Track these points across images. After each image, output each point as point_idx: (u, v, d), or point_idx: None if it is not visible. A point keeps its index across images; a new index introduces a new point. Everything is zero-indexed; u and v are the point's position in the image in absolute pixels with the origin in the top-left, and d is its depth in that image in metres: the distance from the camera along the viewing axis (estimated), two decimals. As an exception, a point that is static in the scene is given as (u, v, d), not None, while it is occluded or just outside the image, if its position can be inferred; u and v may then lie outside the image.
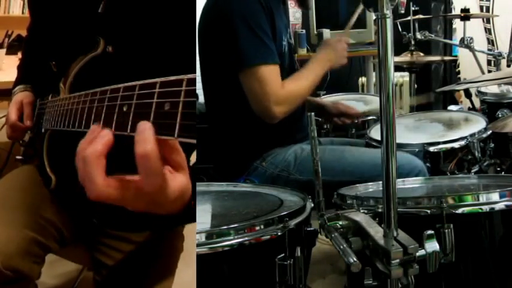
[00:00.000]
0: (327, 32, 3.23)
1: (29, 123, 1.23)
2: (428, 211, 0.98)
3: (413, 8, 2.45)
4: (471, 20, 2.48)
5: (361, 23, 3.31)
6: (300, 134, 1.61)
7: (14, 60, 2.23)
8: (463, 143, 1.56)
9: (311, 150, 1.00)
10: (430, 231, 0.82)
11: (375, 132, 1.71)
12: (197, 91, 1.33)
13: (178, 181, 0.65)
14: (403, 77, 3.42)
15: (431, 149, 1.56)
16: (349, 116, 1.87)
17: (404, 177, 1.32)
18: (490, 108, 2.02)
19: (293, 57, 1.69)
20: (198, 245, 0.85)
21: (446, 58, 2.98)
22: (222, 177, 1.56)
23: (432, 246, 0.81)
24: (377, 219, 0.92)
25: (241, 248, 0.87)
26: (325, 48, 1.60)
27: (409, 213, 0.99)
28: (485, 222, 1.02)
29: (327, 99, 1.97)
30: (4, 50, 2.58)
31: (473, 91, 2.14)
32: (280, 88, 1.43)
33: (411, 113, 2.21)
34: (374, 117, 2.04)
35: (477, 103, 2.15)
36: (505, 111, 1.95)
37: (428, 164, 1.59)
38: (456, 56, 3.34)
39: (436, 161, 1.60)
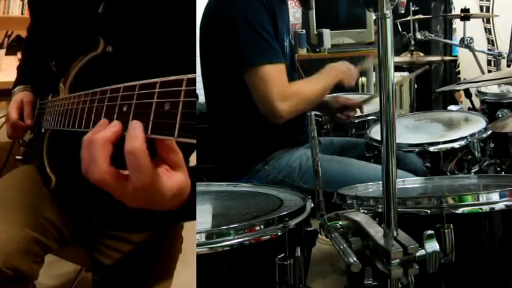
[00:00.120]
0: (327, 32, 3.23)
1: (30, 122, 1.23)
2: (428, 211, 0.98)
3: (413, 8, 2.46)
4: (471, 20, 2.48)
5: (361, 23, 3.32)
6: (301, 136, 1.60)
7: (14, 60, 2.23)
8: (463, 143, 1.56)
9: (311, 149, 1.00)
10: (430, 231, 0.82)
11: (375, 132, 1.71)
12: (197, 91, 1.33)
13: (175, 179, 0.66)
14: (403, 77, 3.42)
15: (431, 149, 1.56)
16: (351, 108, 1.84)
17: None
18: (490, 108, 2.01)
19: (294, 58, 1.69)
20: (198, 245, 0.85)
21: (446, 58, 2.98)
22: (223, 178, 1.55)
23: (432, 246, 0.81)
24: (377, 219, 0.92)
25: (241, 248, 0.87)
26: (340, 63, 1.61)
27: (409, 213, 0.99)
28: (485, 222, 1.02)
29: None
30: (4, 51, 2.58)
31: (473, 91, 2.14)
32: (285, 86, 1.42)
33: (411, 113, 2.22)
34: (374, 117, 2.04)
35: (477, 103, 2.16)
36: (505, 111, 1.95)
37: (428, 164, 1.59)
38: (456, 56, 3.34)
39: (436, 161, 1.60)
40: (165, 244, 1.24)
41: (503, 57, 2.33)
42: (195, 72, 0.59)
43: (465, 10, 2.43)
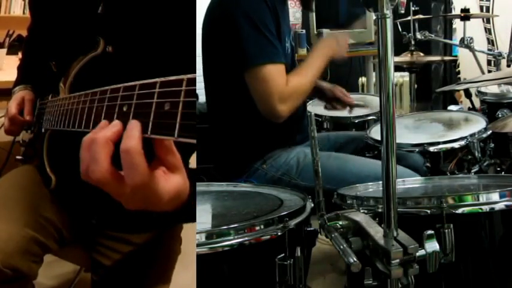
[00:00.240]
0: (327, 32, 3.23)
1: (29, 118, 1.23)
2: (428, 211, 0.98)
3: (413, 8, 2.45)
4: (471, 20, 2.48)
5: (361, 23, 3.31)
6: (301, 135, 1.61)
7: (15, 60, 2.23)
8: (463, 143, 1.56)
9: (311, 149, 1.00)
10: (430, 231, 0.82)
11: (375, 132, 1.71)
12: (197, 91, 1.33)
13: (173, 182, 0.66)
14: (403, 77, 3.42)
15: (431, 149, 1.56)
16: (342, 103, 1.83)
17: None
18: (490, 108, 2.01)
19: (294, 59, 1.69)
20: (198, 245, 0.85)
21: (446, 58, 2.98)
22: (222, 177, 1.55)
23: (432, 246, 0.81)
24: (377, 219, 0.92)
25: (241, 248, 0.87)
26: (325, 39, 1.58)
27: (409, 213, 0.99)
28: (485, 222, 1.02)
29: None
30: (5, 50, 2.58)
31: (473, 91, 2.14)
32: (285, 87, 1.42)
33: (411, 113, 2.21)
34: (374, 117, 2.04)
35: (477, 103, 2.15)
36: (505, 111, 1.95)
37: (428, 164, 1.59)
38: (456, 56, 3.34)
39: (436, 161, 1.61)
40: (164, 245, 1.24)
41: (503, 57, 2.32)
42: (195, 72, 0.59)
43: (465, 10, 2.43)
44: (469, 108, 2.16)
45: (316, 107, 2.08)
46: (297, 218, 0.96)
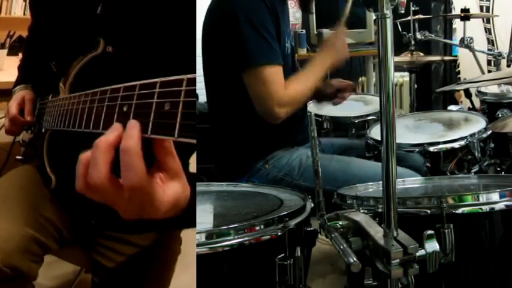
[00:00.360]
0: (327, 32, 3.23)
1: (30, 118, 1.23)
2: (428, 211, 0.98)
3: (413, 8, 2.45)
4: (471, 20, 2.48)
5: (361, 23, 3.32)
6: (301, 136, 1.61)
7: (15, 61, 2.23)
8: (463, 143, 1.56)
9: (311, 149, 1.00)
10: (430, 231, 0.82)
11: (375, 133, 1.71)
12: (197, 91, 1.33)
13: (171, 191, 0.65)
14: (403, 77, 3.42)
15: (431, 149, 1.56)
16: (346, 89, 1.80)
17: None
18: (490, 108, 2.01)
19: (294, 59, 1.69)
20: (198, 245, 0.85)
21: (446, 58, 2.98)
22: (224, 177, 1.56)
23: (432, 246, 0.81)
24: (377, 219, 0.92)
25: (241, 248, 0.87)
26: (324, 47, 1.58)
27: (409, 213, 0.99)
28: (485, 222, 1.02)
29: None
30: (5, 51, 2.59)
31: (473, 91, 2.14)
32: (283, 90, 1.42)
33: (411, 113, 2.21)
34: (374, 117, 2.04)
35: (477, 103, 2.15)
36: (505, 111, 1.95)
37: (428, 164, 1.59)
38: (456, 56, 3.34)
39: (436, 161, 1.61)
40: (164, 245, 1.24)
41: (503, 57, 2.32)
42: (195, 72, 0.59)
43: (465, 10, 2.43)
44: (469, 108, 2.16)
45: (316, 107, 2.08)
46: (297, 218, 0.96)
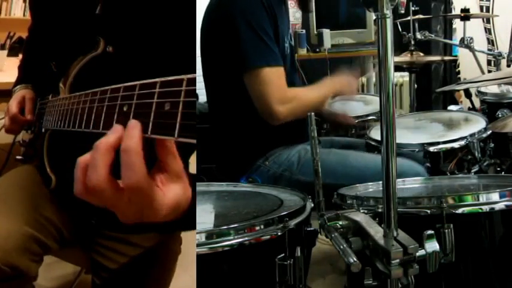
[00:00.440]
0: (327, 32, 3.23)
1: (30, 117, 1.23)
2: (428, 211, 0.98)
3: (413, 8, 2.45)
4: (471, 20, 2.48)
5: (361, 23, 3.32)
6: (302, 134, 1.61)
7: (15, 62, 2.23)
8: (463, 143, 1.56)
9: (311, 150, 1.00)
10: (430, 231, 0.82)
11: (375, 132, 1.71)
12: (197, 91, 1.33)
13: (172, 193, 0.65)
14: (403, 77, 3.42)
15: (431, 149, 1.56)
16: (343, 122, 1.88)
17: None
18: (490, 108, 2.01)
19: (294, 59, 1.70)
20: (198, 245, 0.85)
21: (446, 58, 2.98)
22: (224, 176, 1.56)
23: (432, 246, 0.81)
24: (377, 219, 0.92)
25: (241, 248, 0.86)
26: (340, 77, 1.64)
27: (409, 213, 0.99)
28: (485, 222, 1.02)
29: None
30: (6, 52, 2.59)
31: (473, 91, 2.14)
32: (283, 90, 1.44)
33: (411, 113, 2.21)
34: (374, 117, 2.03)
35: (477, 103, 2.15)
36: (505, 111, 1.95)
37: (428, 164, 1.59)
38: (456, 56, 3.34)
39: (436, 161, 1.61)
40: (164, 245, 1.24)
41: (503, 57, 2.32)
42: (195, 72, 0.59)
43: (465, 10, 2.43)
44: (469, 108, 2.16)
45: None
46: (297, 218, 0.96)
